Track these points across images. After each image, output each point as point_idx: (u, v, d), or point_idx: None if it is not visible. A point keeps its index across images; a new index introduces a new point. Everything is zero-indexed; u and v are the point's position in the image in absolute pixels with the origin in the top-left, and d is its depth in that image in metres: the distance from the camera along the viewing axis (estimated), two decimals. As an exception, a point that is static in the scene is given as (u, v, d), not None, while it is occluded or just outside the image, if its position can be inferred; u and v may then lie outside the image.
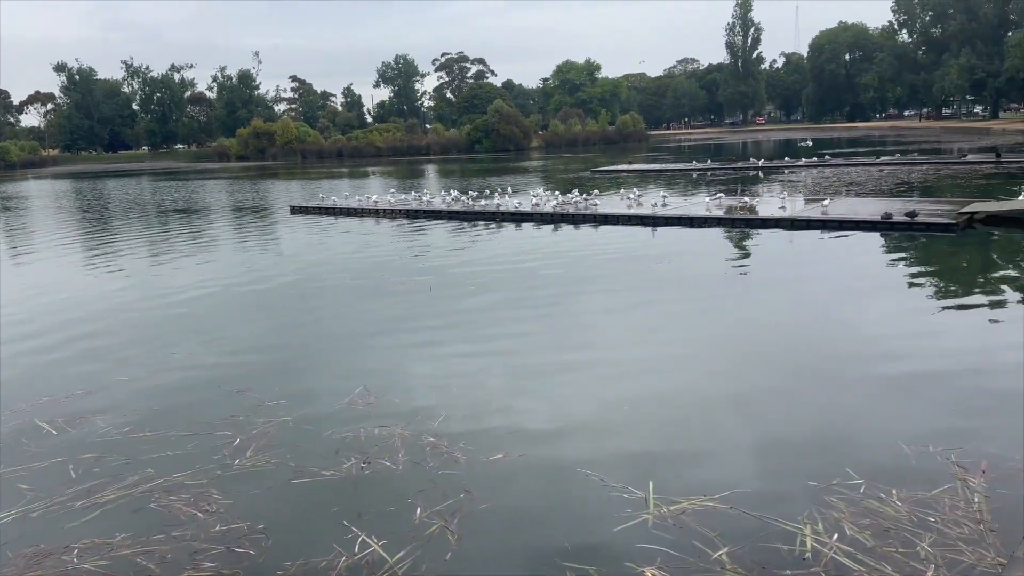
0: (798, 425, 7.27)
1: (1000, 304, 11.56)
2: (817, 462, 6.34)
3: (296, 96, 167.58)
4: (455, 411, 7.92)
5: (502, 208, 24.79)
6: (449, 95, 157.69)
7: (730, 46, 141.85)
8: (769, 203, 22.40)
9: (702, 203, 22.96)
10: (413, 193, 31.42)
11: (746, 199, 21.61)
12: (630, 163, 51.99)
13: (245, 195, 43.38)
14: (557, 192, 27.59)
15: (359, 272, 16.76)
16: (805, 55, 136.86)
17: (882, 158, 39.69)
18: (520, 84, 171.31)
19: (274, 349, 10.86)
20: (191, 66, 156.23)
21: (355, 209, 28.44)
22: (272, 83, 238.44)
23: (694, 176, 40.64)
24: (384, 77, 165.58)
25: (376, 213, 27.49)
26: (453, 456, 6.80)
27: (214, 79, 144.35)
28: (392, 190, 35.58)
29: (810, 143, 40.02)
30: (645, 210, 22.44)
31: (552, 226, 22.80)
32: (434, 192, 31.32)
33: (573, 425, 7.56)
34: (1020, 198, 18.98)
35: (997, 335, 9.98)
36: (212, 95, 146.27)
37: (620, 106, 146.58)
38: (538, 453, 6.84)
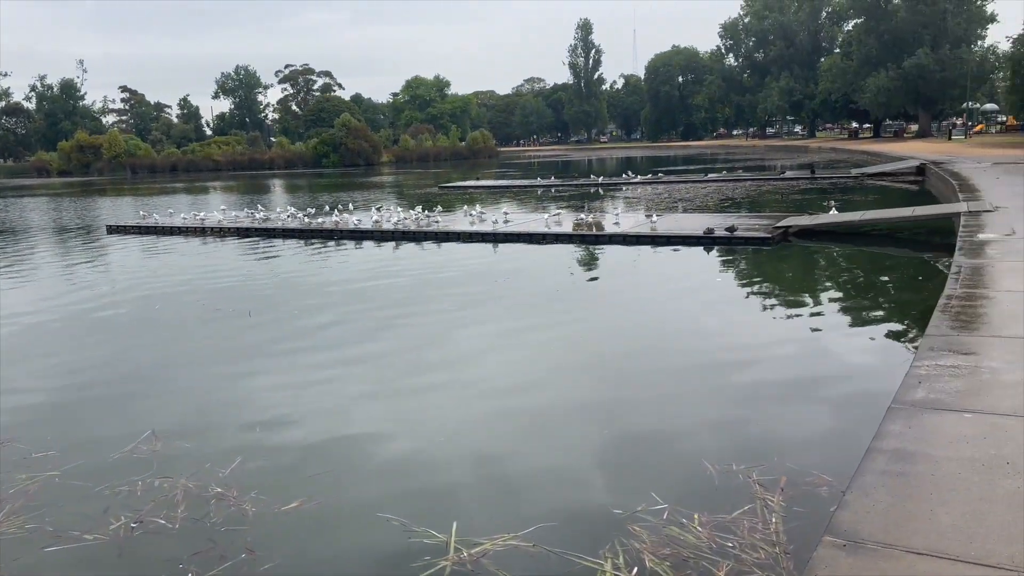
0: (610, 448, 7.13)
1: (816, 313, 12.15)
2: (625, 487, 6.19)
3: (127, 108, 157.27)
4: (252, 455, 7.19)
5: (341, 226, 23.91)
6: (295, 108, 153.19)
7: (573, 67, 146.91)
8: (604, 219, 22.89)
9: (542, 219, 23.14)
10: (246, 210, 29.76)
11: (582, 215, 21.97)
12: (478, 179, 52.22)
13: (62, 213, 39.64)
14: (399, 209, 27.02)
15: (171, 298, 15.41)
16: (643, 77, 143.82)
17: (710, 175, 42.06)
18: (370, 98, 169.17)
19: (51, 391, 9.60)
20: (6, 74, 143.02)
21: (180, 228, 26.52)
22: (101, 93, 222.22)
23: (539, 192, 41.29)
24: (224, 88, 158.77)
25: (203, 232, 25.76)
26: (241, 508, 6.09)
27: (32, 88, 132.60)
28: (223, 207, 33.56)
29: (636, 177, 41.85)
30: (486, 227, 22.33)
31: (393, 244, 22.20)
32: (271, 209, 29.83)
33: (381, 463, 7.05)
34: (830, 212, 20.39)
35: (809, 344, 10.43)
36: (31, 106, 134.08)
37: (471, 123, 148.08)
38: (338, 499, 6.27)
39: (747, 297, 13.66)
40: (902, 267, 15.98)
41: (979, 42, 73.51)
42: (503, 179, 53.12)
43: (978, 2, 72.25)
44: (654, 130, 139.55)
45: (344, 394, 8.98)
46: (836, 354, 9.77)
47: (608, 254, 18.80)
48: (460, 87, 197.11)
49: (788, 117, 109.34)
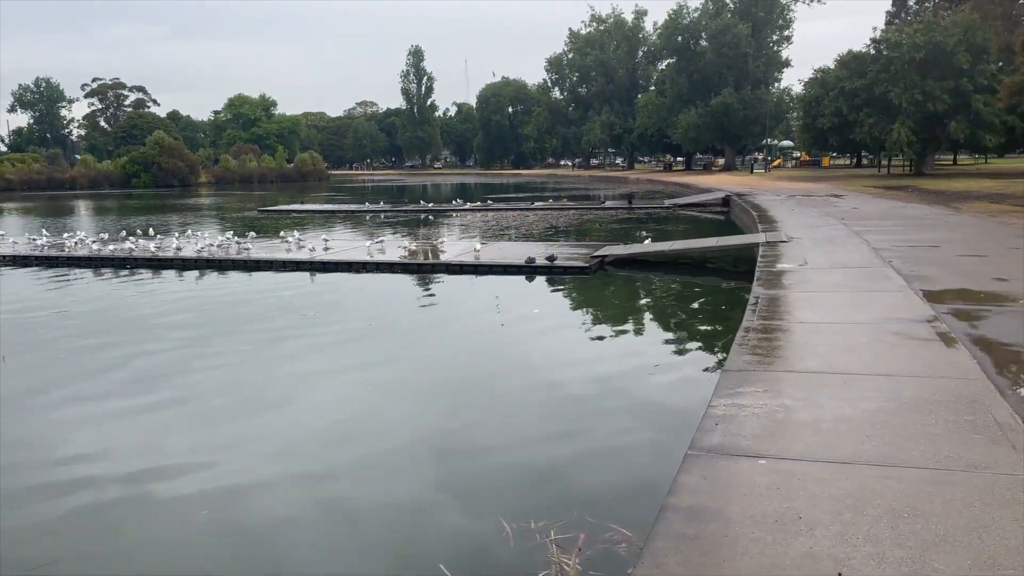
0: (399, 508, 6.46)
1: (626, 349, 12.15)
2: (411, 554, 5.54)
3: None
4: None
5: (137, 253, 21.73)
6: (104, 124, 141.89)
7: (406, 92, 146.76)
8: (428, 247, 22.35)
9: (364, 247, 22.22)
10: (27, 236, 26.41)
11: (406, 244, 21.32)
12: (303, 203, 50.23)
13: None
14: (205, 234, 25.05)
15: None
16: (475, 105, 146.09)
17: (536, 203, 42.84)
18: (188, 116, 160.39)
19: None
20: None
21: (-59, 256, 23.10)
22: None
23: (367, 218, 40.22)
24: (22, 102, 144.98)
25: (-28, 261, 22.60)
26: None
27: None
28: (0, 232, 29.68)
29: (466, 204, 41.98)
30: (303, 255, 21.08)
31: (196, 273, 20.43)
32: (58, 234, 26.69)
33: (192, 516, 5.97)
34: (644, 242, 21.06)
35: (617, 381, 10.30)
36: None
37: (300, 144, 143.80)
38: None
39: (558, 330, 13.45)
40: (709, 296, 16.59)
41: (776, 84, 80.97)
42: (330, 203, 51.43)
43: (775, 48, 79.56)
44: (487, 157, 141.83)
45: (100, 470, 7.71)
46: (642, 392, 9.67)
47: (429, 284, 18.24)
48: (288, 107, 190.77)
49: (610, 149, 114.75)
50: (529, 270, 18.61)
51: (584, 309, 15.53)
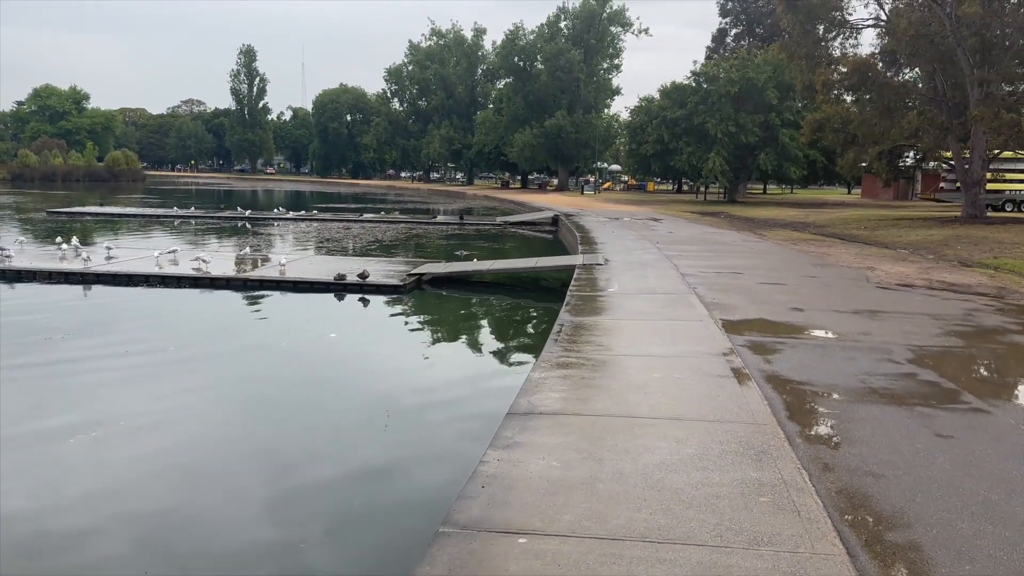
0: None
1: (417, 386, 11.16)
2: None
3: None
4: None
5: None
6: None
7: (235, 93, 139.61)
8: (228, 261, 20.37)
9: (152, 258, 19.87)
10: None
11: (200, 255, 19.23)
12: (101, 205, 45.56)
13: None
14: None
15: None
16: (311, 111, 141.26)
17: (364, 215, 41.24)
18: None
19: None
20: None
21: None
22: None
23: (176, 223, 36.97)
24: None
25: None
26: None
27: None
28: None
29: (288, 213, 39.92)
30: (76, 265, 18.46)
31: (-61, 284, 17.35)
32: None
33: None
34: (464, 261, 20.29)
35: (393, 433, 9.28)
36: None
37: (115, 141, 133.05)
38: None
39: (349, 361, 12.25)
40: (520, 319, 16.02)
41: (606, 110, 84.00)
42: (135, 207, 47.03)
43: (605, 75, 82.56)
44: (324, 165, 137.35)
45: None
46: (416, 441, 8.57)
47: (217, 301, 16.43)
48: (104, 102, 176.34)
49: (450, 164, 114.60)
50: (339, 287, 17.26)
51: (389, 333, 14.37)
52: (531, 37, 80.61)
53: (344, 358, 12.08)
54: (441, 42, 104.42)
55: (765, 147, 53.41)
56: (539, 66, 79.85)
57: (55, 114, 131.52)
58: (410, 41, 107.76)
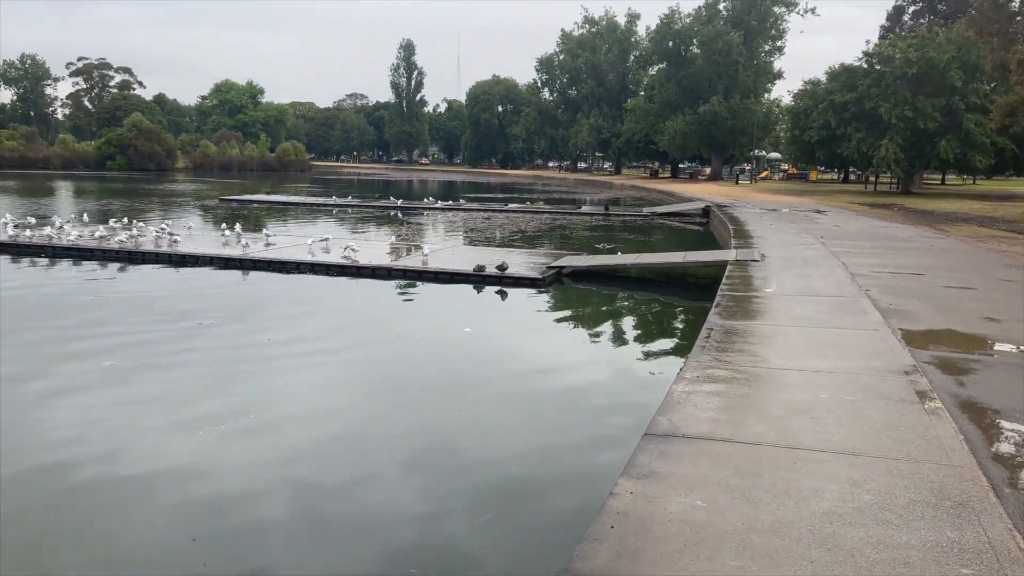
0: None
1: (554, 388, 10.54)
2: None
3: None
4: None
5: (55, 242, 19.90)
6: (88, 104, 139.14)
7: (395, 86, 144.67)
8: (374, 249, 20.64)
9: (305, 246, 20.49)
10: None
11: (350, 244, 19.55)
12: (269, 193, 48.31)
13: None
14: (140, 224, 23.20)
15: None
16: (464, 103, 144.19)
17: (509, 205, 41.16)
18: (175, 100, 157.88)
19: None
20: None
21: None
22: None
23: (333, 212, 38.49)
24: (6, 78, 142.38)
25: None
26: None
27: None
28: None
29: (437, 203, 40.53)
30: (235, 251, 19.33)
31: (118, 265, 18.67)
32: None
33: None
34: (606, 254, 19.48)
35: (536, 434, 8.70)
36: None
37: (286, 133, 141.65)
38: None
39: (479, 360, 11.68)
40: (664, 319, 15.02)
41: (766, 95, 79.62)
42: (298, 195, 49.55)
43: (766, 58, 78.28)
44: (475, 156, 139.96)
45: None
46: (543, 455, 7.81)
47: (363, 289, 16.58)
48: (277, 96, 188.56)
49: (597, 153, 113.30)
50: (478, 279, 16.99)
51: (518, 328, 13.69)
52: (687, 20, 77.73)
53: (475, 356, 11.61)
54: (593, 29, 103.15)
55: (946, 133, 48.41)
56: (695, 50, 76.89)
57: (233, 108, 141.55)
58: (562, 30, 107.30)
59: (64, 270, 18.14)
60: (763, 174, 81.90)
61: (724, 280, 13.83)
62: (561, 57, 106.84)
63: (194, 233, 23.24)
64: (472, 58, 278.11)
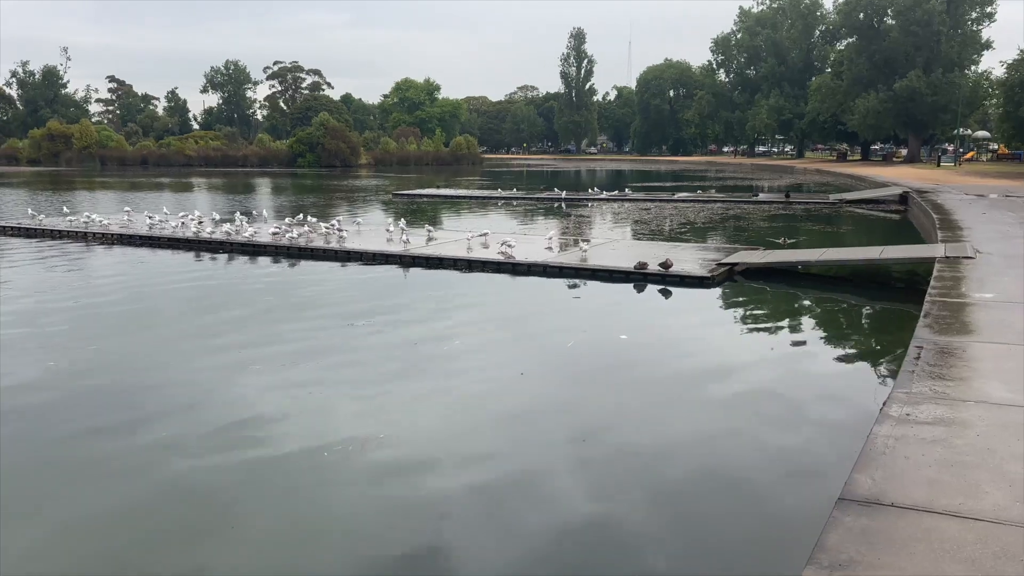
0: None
1: (721, 405, 9.23)
2: None
3: (114, 98, 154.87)
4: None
5: (233, 238, 20.89)
6: (283, 105, 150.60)
7: (565, 76, 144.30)
8: (534, 244, 19.94)
9: (464, 242, 20.21)
10: (146, 213, 26.32)
11: (507, 240, 18.94)
12: (438, 188, 49.28)
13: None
14: (313, 218, 23.98)
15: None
16: (635, 89, 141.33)
17: (677, 195, 39.17)
18: (360, 99, 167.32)
19: None
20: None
21: (63, 232, 23.58)
22: (89, 83, 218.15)
23: (499, 204, 38.48)
24: (213, 83, 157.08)
25: (85, 237, 22.84)
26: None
27: (13, 74, 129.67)
28: (127, 208, 29.93)
29: (602, 193, 39.44)
30: (396, 247, 19.35)
31: (288, 262, 19.26)
32: (175, 214, 26.60)
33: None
34: (794, 250, 17.58)
35: (716, 448, 7.50)
36: (12, 92, 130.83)
37: (460, 128, 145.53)
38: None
39: (631, 377, 10.17)
40: (859, 329, 13.07)
41: (973, 67, 71.20)
42: (465, 188, 50.21)
43: (973, 27, 69.96)
44: (644, 143, 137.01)
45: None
46: (688, 528, 6.37)
47: (520, 288, 15.86)
48: (452, 91, 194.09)
49: (777, 136, 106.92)
50: (639, 277, 15.79)
51: (680, 336, 12.18)
52: (881, -11, 71.02)
53: (626, 371, 10.26)
54: (775, 5, 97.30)
55: None
56: (889, 21, 70.11)
57: (412, 104, 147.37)
58: (740, 7, 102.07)
59: (239, 266, 18.91)
60: (968, 155, 73.33)
61: (933, 281, 11.77)
62: (739, 36, 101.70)
63: (363, 229, 23.69)
64: (644, 42, 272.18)
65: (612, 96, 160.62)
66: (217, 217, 24.60)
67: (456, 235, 22.39)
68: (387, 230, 21.74)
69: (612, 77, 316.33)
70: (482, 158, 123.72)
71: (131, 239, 22.21)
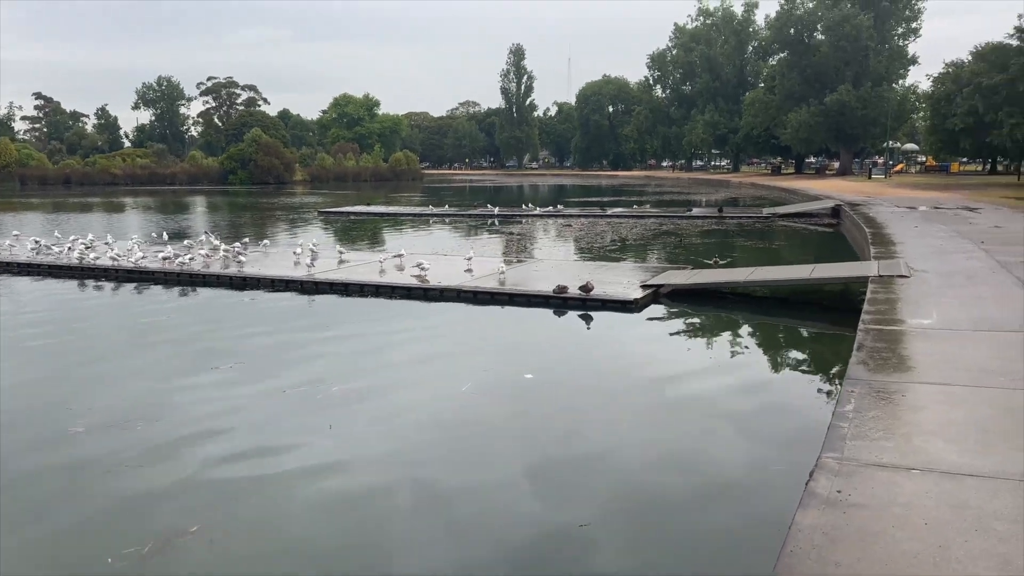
0: None
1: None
2: None
3: (41, 115, 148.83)
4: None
5: (118, 264, 18.97)
6: (217, 122, 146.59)
7: (505, 92, 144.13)
8: (452, 264, 18.58)
9: (376, 264, 18.77)
10: (32, 239, 24.00)
11: (422, 262, 17.52)
12: (368, 204, 47.59)
13: None
14: (213, 240, 22.16)
15: None
16: (575, 105, 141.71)
17: (611, 210, 38.30)
18: (298, 115, 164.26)
19: None
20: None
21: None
22: (12, 100, 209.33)
23: (430, 222, 37.05)
24: (145, 99, 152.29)
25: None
26: None
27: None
28: (16, 233, 27.49)
29: (536, 209, 38.43)
30: (299, 272, 17.76)
31: (179, 289, 17.49)
32: (65, 237, 24.37)
33: None
34: (723, 270, 16.60)
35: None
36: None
37: (401, 143, 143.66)
38: None
39: (520, 430, 8.99)
40: (790, 358, 12.07)
41: (900, 81, 72.79)
42: (397, 205, 48.62)
43: (900, 42, 71.55)
44: (584, 158, 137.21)
45: None
46: None
47: (429, 316, 14.45)
48: (393, 107, 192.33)
49: (714, 150, 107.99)
50: (559, 302, 14.57)
51: (591, 372, 10.80)
52: (810, 5, 72.13)
53: (524, 422, 8.94)
54: (708, 21, 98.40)
55: (1124, 113, 41.81)
56: (819, 36, 71.23)
57: (351, 120, 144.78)
58: (675, 24, 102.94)
59: (123, 296, 17.08)
60: (898, 167, 74.90)
61: (866, 305, 10.79)
62: (674, 52, 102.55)
63: (270, 250, 22.01)
64: (583, 58, 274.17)
65: (553, 112, 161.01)
66: (111, 239, 22.53)
67: (372, 256, 20.92)
68: (294, 252, 20.11)
69: (553, 93, 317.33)
70: (423, 174, 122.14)
71: (8, 267, 20.04)
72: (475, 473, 7.29)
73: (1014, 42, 46.03)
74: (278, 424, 8.56)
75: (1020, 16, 44.57)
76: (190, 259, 18.73)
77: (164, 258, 18.84)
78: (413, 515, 6.41)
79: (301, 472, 7.27)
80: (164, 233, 25.20)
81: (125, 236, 25.75)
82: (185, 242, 22.44)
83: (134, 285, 17.99)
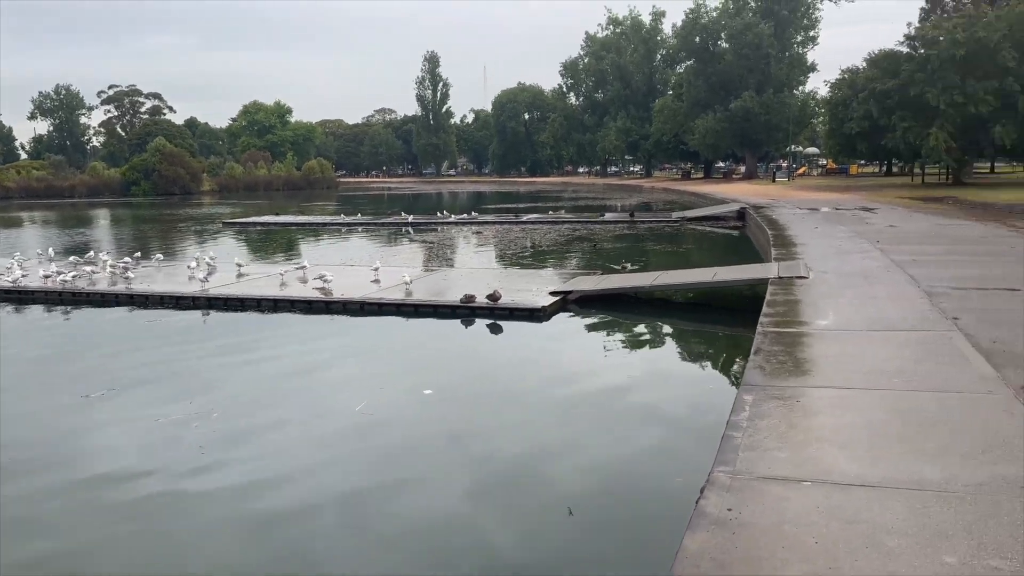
0: None
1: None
2: None
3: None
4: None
5: (-3, 283, 17.58)
6: (120, 131, 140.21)
7: (421, 99, 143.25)
8: (360, 274, 17.97)
9: (277, 276, 17.98)
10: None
11: (324, 273, 16.84)
12: (277, 214, 46.16)
13: None
14: (104, 256, 20.86)
15: None
16: (491, 112, 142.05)
17: (526, 216, 38.24)
18: (206, 123, 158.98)
19: None
20: None
21: None
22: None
23: (342, 231, 36.11)
24: (42, 109, 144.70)
25: None
26: None
27: None
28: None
29: (451, 217, 38.06)
30: (192, 287, 16.80)
31: (43, 307, 16.32)
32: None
33: None
34: (630, 275, 16.58)
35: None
36: None
37: (316, 151, 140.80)
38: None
39: (433, 445, 8.68)
40: (693, 362, 12.04)
41: (801, 88, 75.69)
42: (311, 215, 47.34)
43: (799, 50, 74.40)
44: (502, 165, 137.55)
45: None
46: None
47: (329, 330, 13.85)
48: (306, 115, 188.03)
49: (627, 156, 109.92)
50: (467, 312, 14.20)
51: (495, 387, 10.40)
52: (714, 14, 74.26)
53: (421, 444, 8.49)
54: (618, 30, 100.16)
55: (1001, 118, 44.38)
56: (723, 44, 73.39)
57: (263, 128, 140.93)
58: (586, 32, 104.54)
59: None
60: (800, 170, 77.84)
61: (765, 307, 10.82)
62: (586, 60, 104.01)
63: (163, 265, 20.87)
64: (499, 65, 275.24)
65: (470, 119, 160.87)
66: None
67: (273, 268, 20.07)
68: (188, 267, 19.07)
69: (470, 100, 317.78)
70: (338, 182, 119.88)
71: None
72: (357, 494, 6.82)
73: (904, 49, 48.46)
74: (150, 453, 7.86)
75: (909, 25, 46.99)
76: (74, 276, 17.48)
77: (45, 276, 17.52)
78: (285, 539, 5.90)
79: (171, 497, 6.64)
80: (51, 249, 23.58)
81: (10, 254, 24.08)
82: (71, 258, 21.03)
83: (12, 307, 16.67)
